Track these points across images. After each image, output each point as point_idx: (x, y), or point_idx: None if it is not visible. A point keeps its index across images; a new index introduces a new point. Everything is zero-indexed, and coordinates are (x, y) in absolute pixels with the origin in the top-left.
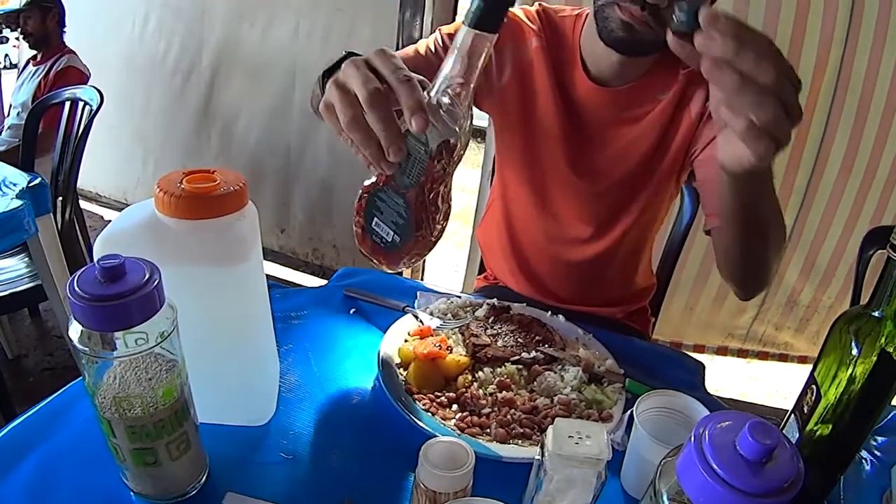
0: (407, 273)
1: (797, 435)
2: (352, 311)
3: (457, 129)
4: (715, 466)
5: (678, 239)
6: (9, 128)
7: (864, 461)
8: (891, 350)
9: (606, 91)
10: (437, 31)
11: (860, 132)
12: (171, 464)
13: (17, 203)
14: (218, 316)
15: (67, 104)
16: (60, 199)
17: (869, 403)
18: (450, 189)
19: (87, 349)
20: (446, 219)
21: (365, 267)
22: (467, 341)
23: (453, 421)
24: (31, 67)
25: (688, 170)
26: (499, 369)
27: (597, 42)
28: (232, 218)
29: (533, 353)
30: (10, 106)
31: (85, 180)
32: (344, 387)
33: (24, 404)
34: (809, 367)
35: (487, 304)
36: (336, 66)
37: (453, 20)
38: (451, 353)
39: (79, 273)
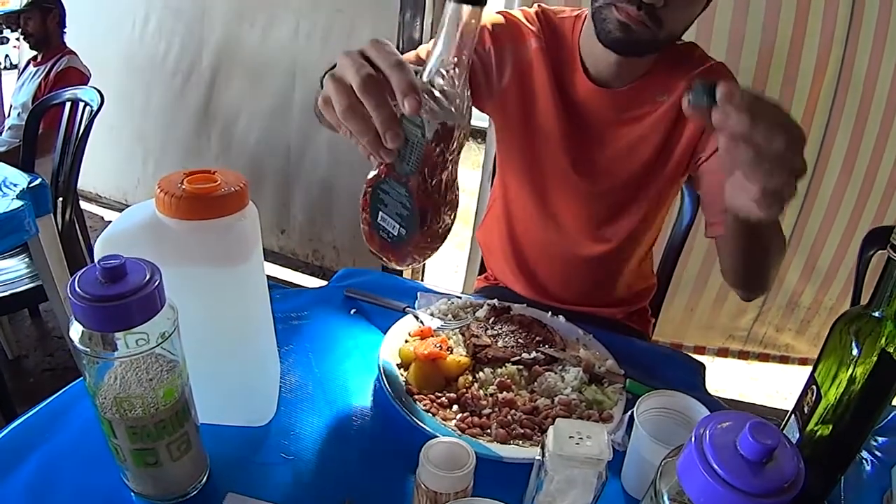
0: (407, 274)
1: (797, 435)
2: (352, 312)
3: (453, 109)
4: (716, 466)
5: (678, 239)
6: (9, 128)
7: (864, 461)
8: (891, 350)
9: (606, 92)
10: None
11: (861, 133)
12: (171, 464)
13: (18, 204)
14: (218, 316)
15: (68, 105)
16: (61, 199)
17: (869, 404)
18: (455, 178)
19: (87, 350)
20: (454, 210)
21: (365, 267)
22: (468, 342)
23: (454, 421)
24: (31, 68)
25: (689, 174)
26: (499, 370)
27: (595, 43)
28: (233, 218)
29: (533, 354)
30: (11, 106)
31: (85, 181)
32: (344, 387)
33: (24, 405)
34: (810, 368)
35: (488, 304)
36: None
37: None
38: (451, 353)
39: (80, 273)
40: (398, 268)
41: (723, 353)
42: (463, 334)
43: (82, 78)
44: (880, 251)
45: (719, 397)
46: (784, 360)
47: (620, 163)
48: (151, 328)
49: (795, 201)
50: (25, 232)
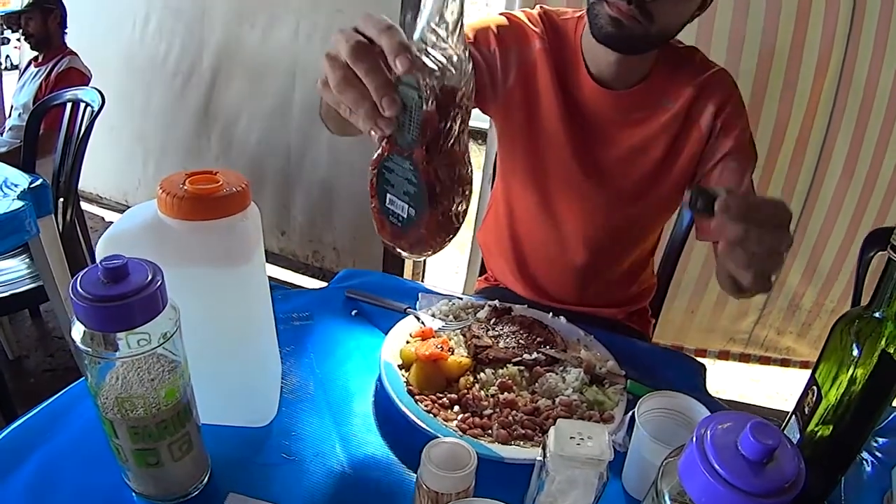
0: (408, 274)
1: (798, 436)
2: (353, 313)
3: (449, 66)
4: (717, 466)
5: (679, 239)
6: (10, 129)
7: (865, 462)
8: (891, 351)
9: (610, 93)
10: None
11: (862, 135)
12: (173, 464)
13: (19, 204)
14: (220, 317)
15: (69, 105)
16: (62, 200)
17: (870, 404)
18: (465, 152)
19: (89, 350)
20: (466, 187)
21: (366, 269)
22: (469, 343)
23: (455, 422)
24: (32, 69)
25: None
26: (500, 371)
27: (595, 43)
28: (234, 219)
29: (534, 355)
30: (12, 107)
31: (85, 182)
32: (346, 388)
33: (24, 405)
34: (811, 371)
35: (489, 305)
36: None
37: None
38: (452, 354)
39: (82, 273)
40: (413, 258)
41: (724, 355)
42: (464, 335)
43: (83, 78)
44: (881, 252)
45: (720, 398)
46: (785, 363)
47: (625, 165)
48: (153, 328)
49: (797, 204)
50: (26, 232)
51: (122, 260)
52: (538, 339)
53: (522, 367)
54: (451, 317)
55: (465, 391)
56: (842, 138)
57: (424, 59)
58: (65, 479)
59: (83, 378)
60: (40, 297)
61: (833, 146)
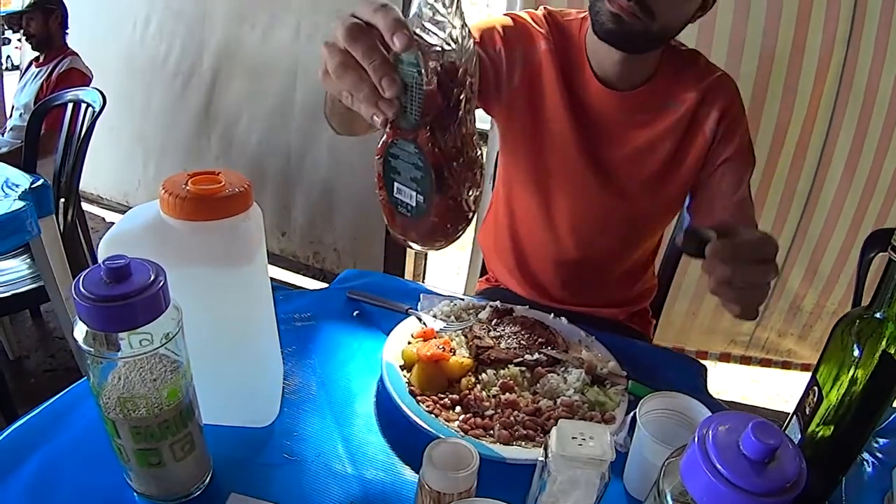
0: (409, 275)
1: (799, 436)
2: (355, 314)
3: (450, 41)
4: (719, 466)
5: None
6: (11, 129)
7: (865, 463)
8: (892, 352)
9: (615, 94)
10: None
11: (862, 137)
12: (175, 464)
13: (20, 204)
14: (222, 317)
15: (70, 106)
16: (63, 200)
17: (870, 405)
18: (472, 134)
19: (91, 350)
20: (476, 170)
21: (367, 270)
22: (470, 343)
23: (457, 423)
24: (33, 69)
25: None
26: (502, 371)
27: (599, 43)
28: (237, 219)
29: (536, 356)
30: (13, 107)
31: (86, 182)
32: (347, 388)
33: (25, 405)
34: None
35: (490, 306)
36: None
37: None
38: (454, 355)
39: (84, 273)
40: (425, 250)
41: (725, 358)
42: (465, 336)
43: (84, 79)
44: (881, 253)
45: (721, 399)
46: (786, 365)
47: (631, 165)
48: (155, 329)
49: (797, 206)
50: (27, 233)
51: (124, 260)
52: (539, 339)
53: (524, 368)
54: (452, 317)
55: (467, 392)
56: (842, 141)
57: (423, 34)
58: (66, 478)
59: (84, 378)
60: (41, 297)
61: (833, 148)
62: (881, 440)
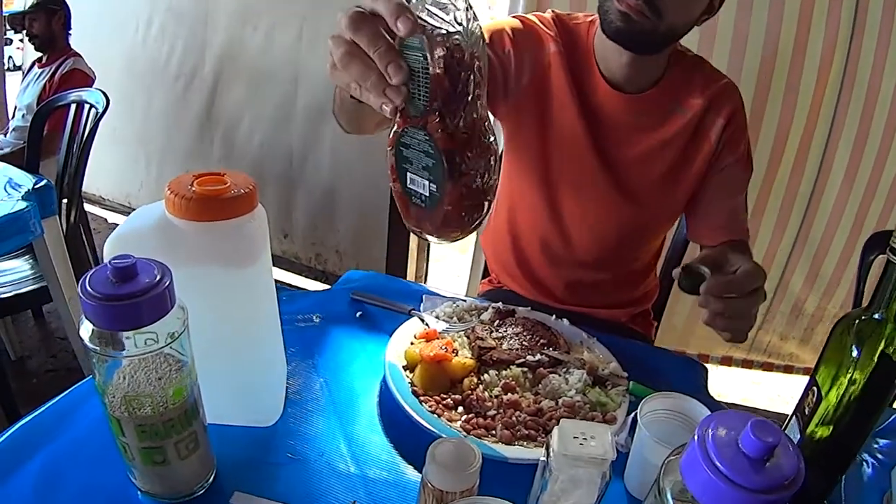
0: (411, 277)
1: (798, 436)
2: (358, 315)
3: (455, 25)
4: (718, 464)
5: (681, 241)
6: (14, 130)
7: (865, 463)
8: (891, 353)
9: (623, 97)
10: None
11: (864, 138)
12: (179, 463)
13: (24, 205)
14: (227, 317)
15: (73, 107)
16: (65, 201)
17: (869, 405)
18: (485, 119)
19: (97, 348)
20: (490, 156)
21: (369, 271)
22: (473, 344)
23: (459, 423)
24: (36, 69)
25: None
26: (504, 372)
27: (607, 45)
28: (242, 220)
29: (538, 356)
30: (15, 108)
31: (88, 183)
32: (351, 388)
33: (27, 406)
34: None
35: (493, 307)
36: None
37: None
38: (456, 355)
39: (91, 272)
40: (441, 242)
41: (726, 361)
42: (468, 337)
43: (87, 80)
44: (881, 255)
45: (722, 401)
46: (788, 369)
47: (639, 167)
48: (160, 328)
49: (798, 208)
50: (31, 233)
51: (131, 259)
52: (541, 340)
53: (526, 369)
54: (454, 318)
55: (469, 392)
56: (843, 143)
57: (426, 18)
58: (70, 477)
59: (87, 378)
60: (44, 297)
61: (835, 151)
62: (881, 441)
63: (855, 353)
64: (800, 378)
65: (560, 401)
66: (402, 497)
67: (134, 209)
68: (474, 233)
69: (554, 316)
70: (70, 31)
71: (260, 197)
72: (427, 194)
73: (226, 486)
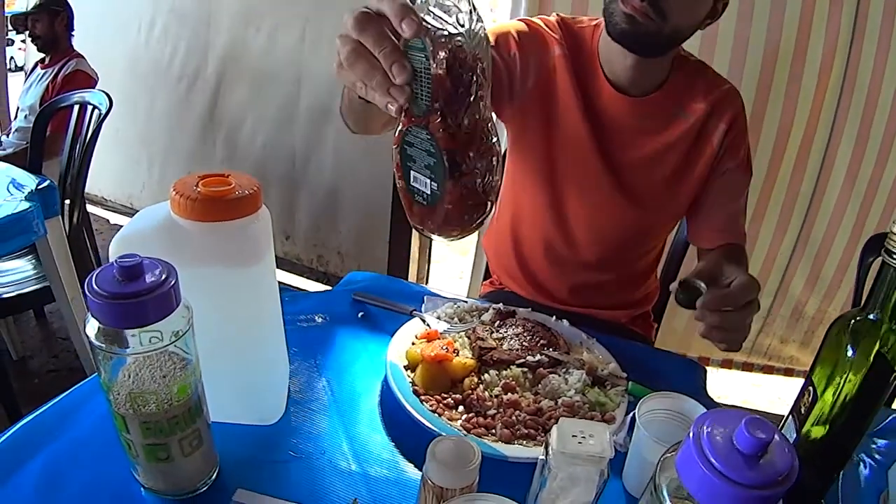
0: (413, 279)
1: (795, 435)
2: (360, 315)
3: (458, 26)
4: (713, 460)
5: (681, 243)
6: (16, 130)
7: (862, 463)
8: (886, 353)
9: (627, 100)
10: None
11: (865, 140)
12: (183, 459)
13: (27, 205)
14: (230, 316)
15: (76, 108)
16: (68, 202)
17: (864, 405)
18: (487, 121)
19: (102, 346)
20: (491, 157)
21: (371, 272)
22: (473, 344)
23: (459, 422)
24: (38, 70)
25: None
26: (504, 372)
27: (612, 48)
28: (246, 220)
29: (538, 357)
30: (18, 108)
31: (90, 184)
32: (352, 387)
33: (29, 405)
34: None
35: (493, 308)
36: None
37: None
38: (457, 355)
39: (97, 271)
40: (444, 240)
41: (727, 364)
42: (469, 337)
43: (90, 81)
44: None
45: (722, 403)
46: (789, 372)
47: (643, 170)
48: (165, 326)
49: (800, 210)
50: (34, 233)
51: (137, 258)
52: (542, 341)
53: (526, 369)
54: (455, 319)
55: (470, 392)
56: (844, 146)
57: (429, 19)
58: (73, 475)
59: (89, 377)
60: (46, 297)
61: (836, 153)
62: (878, 441)
63: (850, 354)
64: (800, 381)
65: (559, 400)
66: (402, 495)
67: (136, 210)
68: (476, 234)
69: (554, 317)
70: (73, 33)
71: (263, 198)
72: (429, 192)
73: (228, 482)
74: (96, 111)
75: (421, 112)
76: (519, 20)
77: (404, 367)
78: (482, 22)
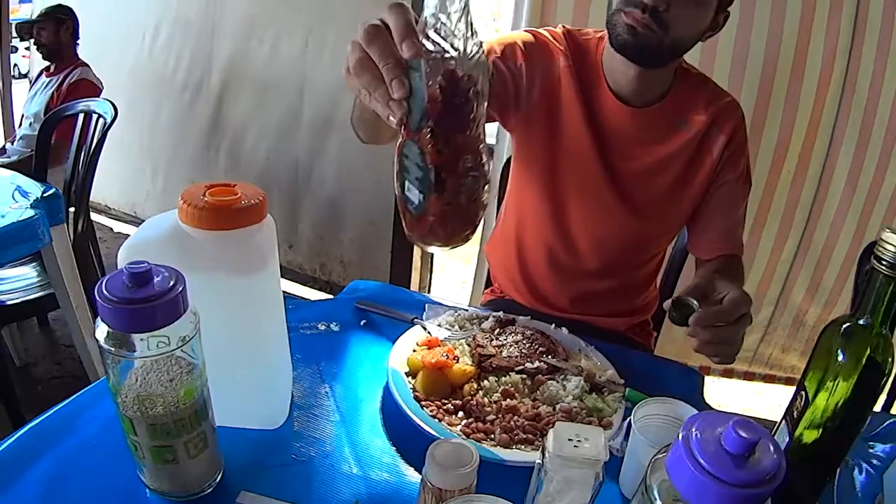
0: (414, 287)
1: (787, 439)
2: (362, 323)
3: (454, 50)
4: (701, 460)
5: (680, 251)
6: (21, 138)
7: (857, 467)
8: (876, 357)
9: (630, 110)
10: None
11: (865, 147)
12: (188, 461)
13: (32, 212)
14: (236, 322)
15: (81, 116)
16: (73, 210)
17: (856, 409)
18: (479, 142)
19: (111, 349)
20: (479, 177)
21: (374, 281)
22: (473, 351)
23: (459, 427)
24: (43, 79)
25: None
26: (503, 378)
27: (615, 60)
28: (252, 229)
29: (536, 364)
30: (23, 116)
31: (94, 192)
32: (354, 394)
33: (32, 412)
34: None
35: (493, 316)
36: None
37: None
38: (457, 362)
39: (107, 277)
40: (431, 249)
41: (727, 373)
42: (469, 344)
43: (95, 90)
44: None
45: (721, 411)
46: (790, 381)
47: (644, 180)
48: (173, 331)
49: (800, 218)
50: (39, 240)
51: (146, 265)
52: (540, 348)
53: (525, 376)
54: (456, 327)
55: (469, 397)
56: (844, 153)
57: (426, 42)
58: (78, 479)
59: (94, 383)
60: (50, 304)
61: (836, 161)
62: (874, 445)
63: (841, 358)
64: None
65: (557, 406)
66: (402, 497)
67: (139, 219)
68: (477, 243)
69: (553, 325)
70: (78, 41)
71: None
72: (416, 203)
73: (233, 485)
74: (101, 120)
75: (414, 127)
76: (525, 31)
77: (405, 373)
78: (481, 46)
